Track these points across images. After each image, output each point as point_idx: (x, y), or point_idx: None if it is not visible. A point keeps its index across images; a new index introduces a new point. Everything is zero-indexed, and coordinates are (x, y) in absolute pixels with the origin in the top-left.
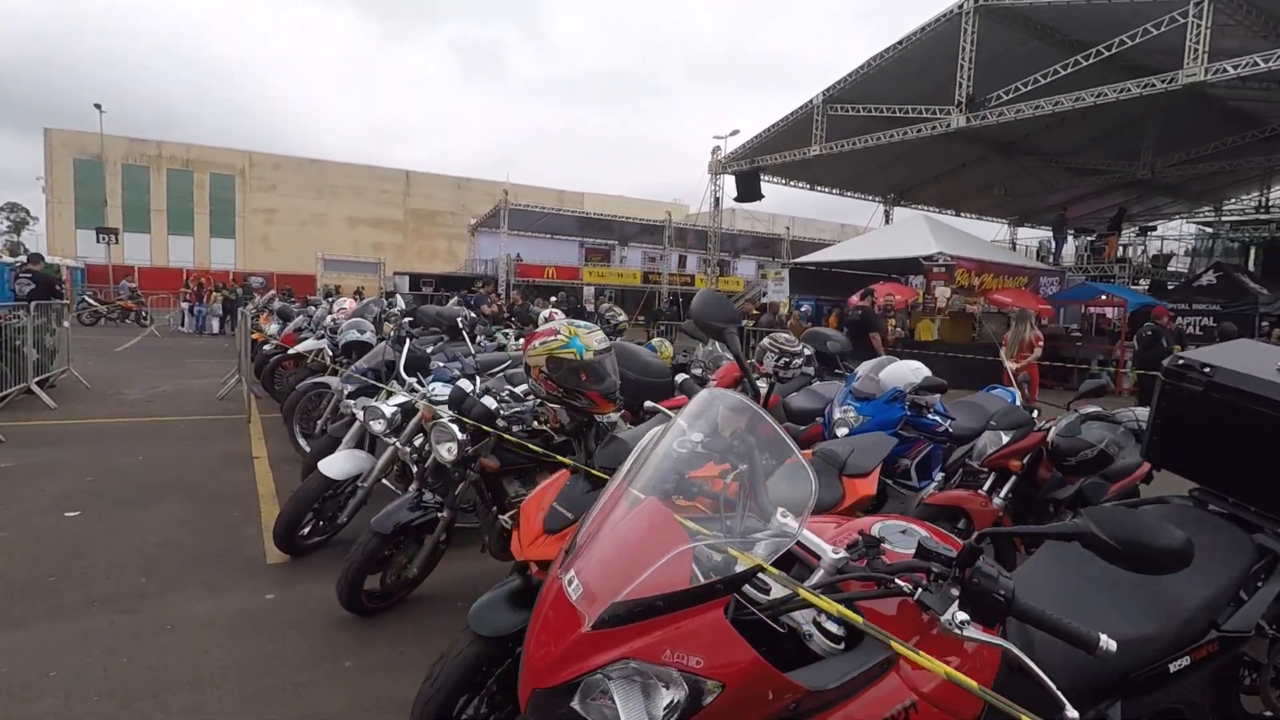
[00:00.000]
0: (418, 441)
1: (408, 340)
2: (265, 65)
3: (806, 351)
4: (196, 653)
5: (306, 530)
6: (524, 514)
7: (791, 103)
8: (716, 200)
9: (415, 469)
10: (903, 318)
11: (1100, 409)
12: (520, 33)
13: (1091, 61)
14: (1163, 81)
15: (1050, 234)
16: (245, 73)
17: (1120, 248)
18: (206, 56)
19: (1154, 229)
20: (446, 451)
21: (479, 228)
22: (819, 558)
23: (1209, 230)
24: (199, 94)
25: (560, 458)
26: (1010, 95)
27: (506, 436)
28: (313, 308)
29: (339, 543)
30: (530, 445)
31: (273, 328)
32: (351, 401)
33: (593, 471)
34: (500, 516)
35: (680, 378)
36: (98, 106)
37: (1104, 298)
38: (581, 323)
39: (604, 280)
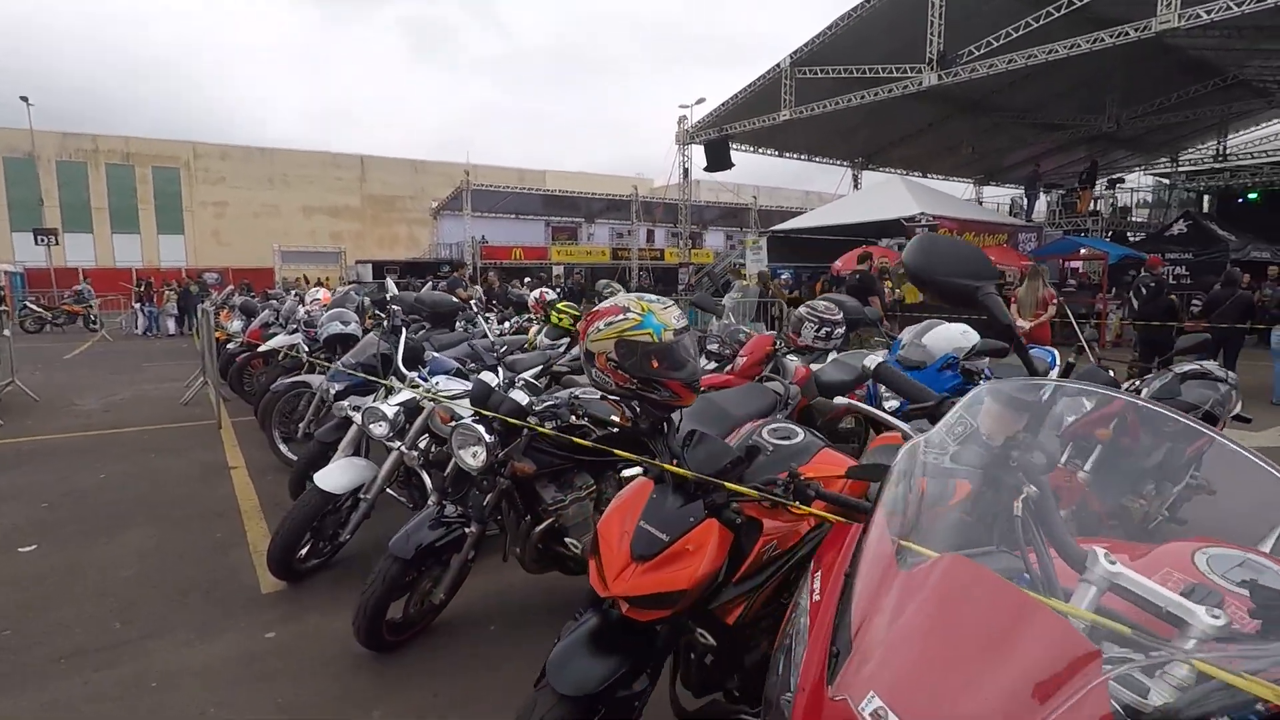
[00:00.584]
0: (423, 444)
1: (404, 331)
2: (202, 52)
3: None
4: (192, 714)
5: (304, 552)
6: (603, 538)
7: (749, 73)
8: (685, 170)
9: (426, 476)
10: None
11: (1200, 366)
12: (468, 10)
13: (1064, 13)
14: (1136, 30)
15: (1020, 191)
16: (182, 60)
17: (1093, 201)
18: (138, 43)
19: (1122, 181)
20: (472, 457)
21: (441, 211)
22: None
23: (1165, 182)
24: (133, 83)
25: (628, 455)
26: (982, 50)
27: (546, 432)
28: (275, 301)
29: (341, 562)
30: (585, 441)
31: (235, 324)
32: (345, 403)
33: (679, 471)
34: (535, 527)
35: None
36: (24, 100)
37: (1083, 251)
38: (652, 296)
39: (573, 259)
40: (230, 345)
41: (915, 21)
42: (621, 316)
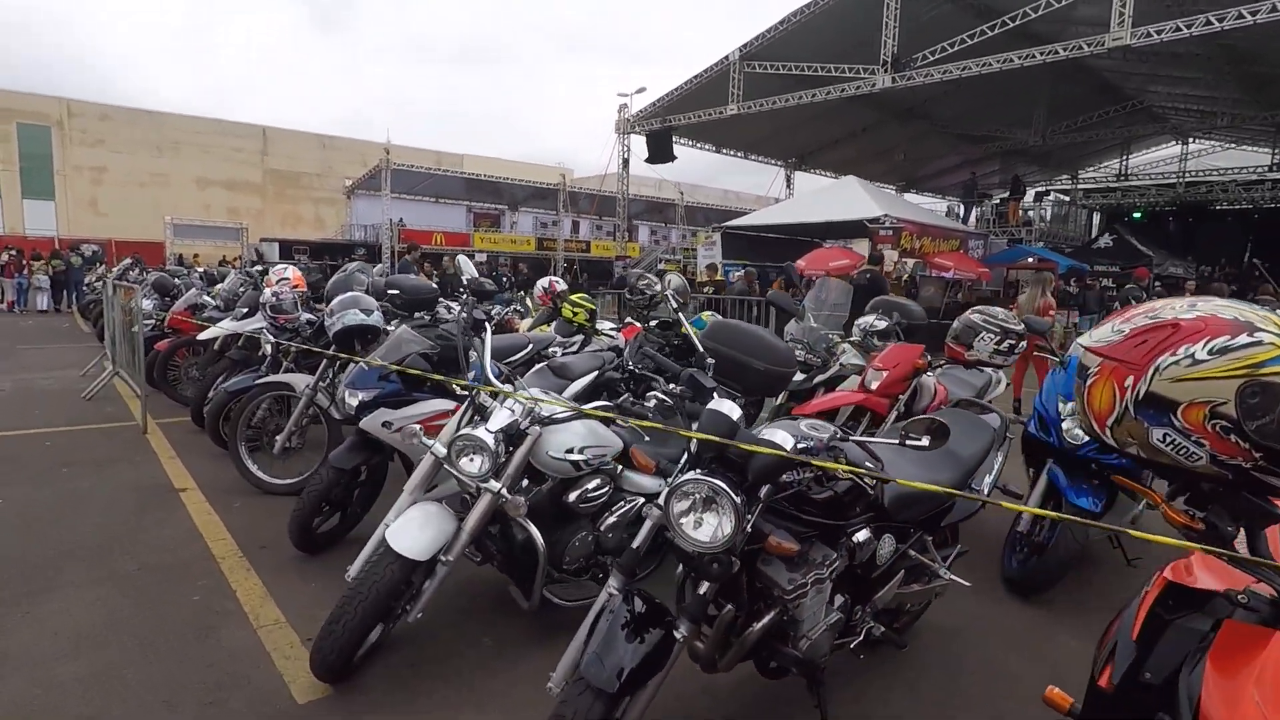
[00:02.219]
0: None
1: (488, 324)
2: (82, 8)
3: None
4: None
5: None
6: None
7: (670, 68)
8: (625, 160)
9: (534, 532)
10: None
11: None
12: None
13: (1018, 23)
14: (1089, 45)
15: (943, 199)
16: (56, 8)
17: (1023, 211)
18: None
19: (1049, 194)
20: (713, 530)
21: (355, 190)
22: None
23: (1064, 198)
24: None
25: None
26: (938, 56)
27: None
28: (199, 278)
29: (399, 644)
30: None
31: (146, 304)
32: (382, 419)
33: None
34: (756, 621)
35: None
36: None
37: (1031, 260)
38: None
39: (497, 247)
40: (135, 329)
41: (866, 23)
42: (1245, 340)
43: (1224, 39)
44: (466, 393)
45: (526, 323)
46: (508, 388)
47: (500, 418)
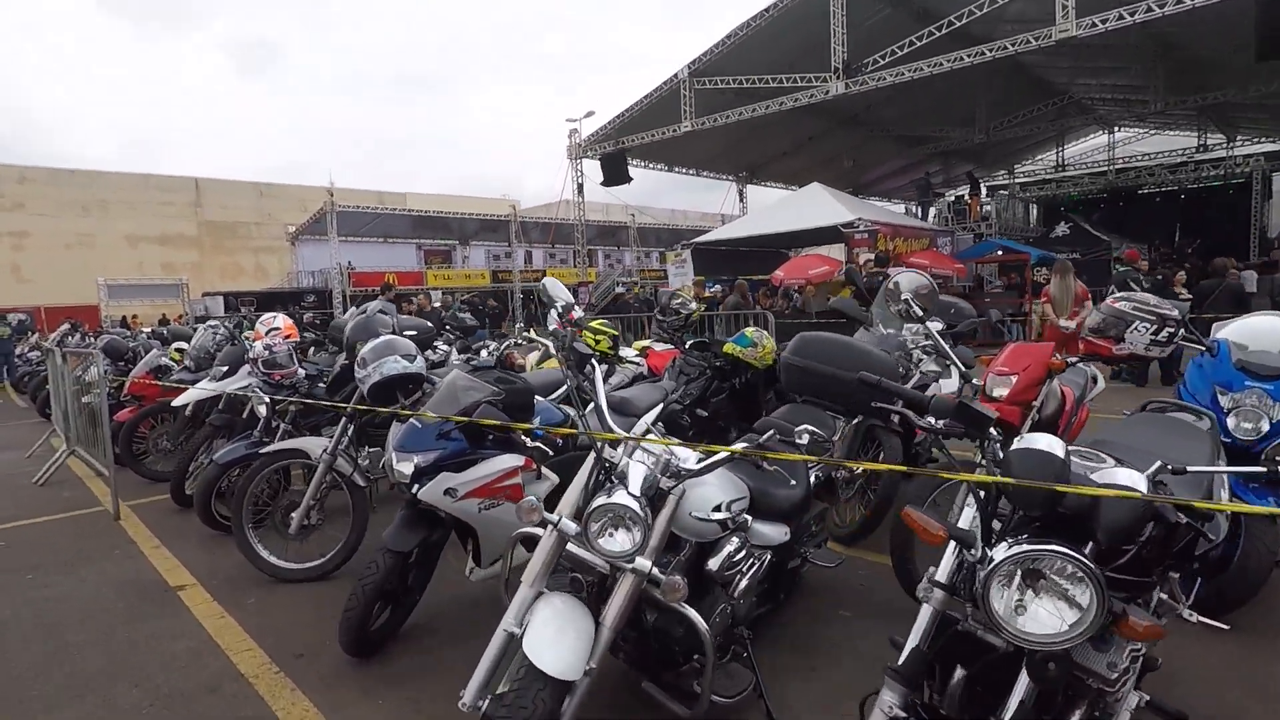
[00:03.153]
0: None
1: (595, 362)
2: None
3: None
4: None
5: None
6: None
7: (599, 91)
8: (580, 186)
9: (697, 618)
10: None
11: None
12: (295, 29)
13: (955, 27)
14: (1037, 39)
15: (889, 201)
16: None
17: (981, 207)
18: None
19: (1004, 189)
20: (1055, 624)
21: (300, 236)
22: None
23: (1004, 192)
24: None
25: None
26: (888, 60)
27: None
28: (156, 340)
29: None
30: None
31: (93, 371)
32: (538, 505)
33: None
34: None
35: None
36: None
37: (1000, 253)
38: None
39: (451, 283)
40: (97, 399)
41: (812, 32)
42: None
43: (1152, 28)
44: (579, 447)
45: (533, 357)
46: (650, 435)
47: (637, 475)
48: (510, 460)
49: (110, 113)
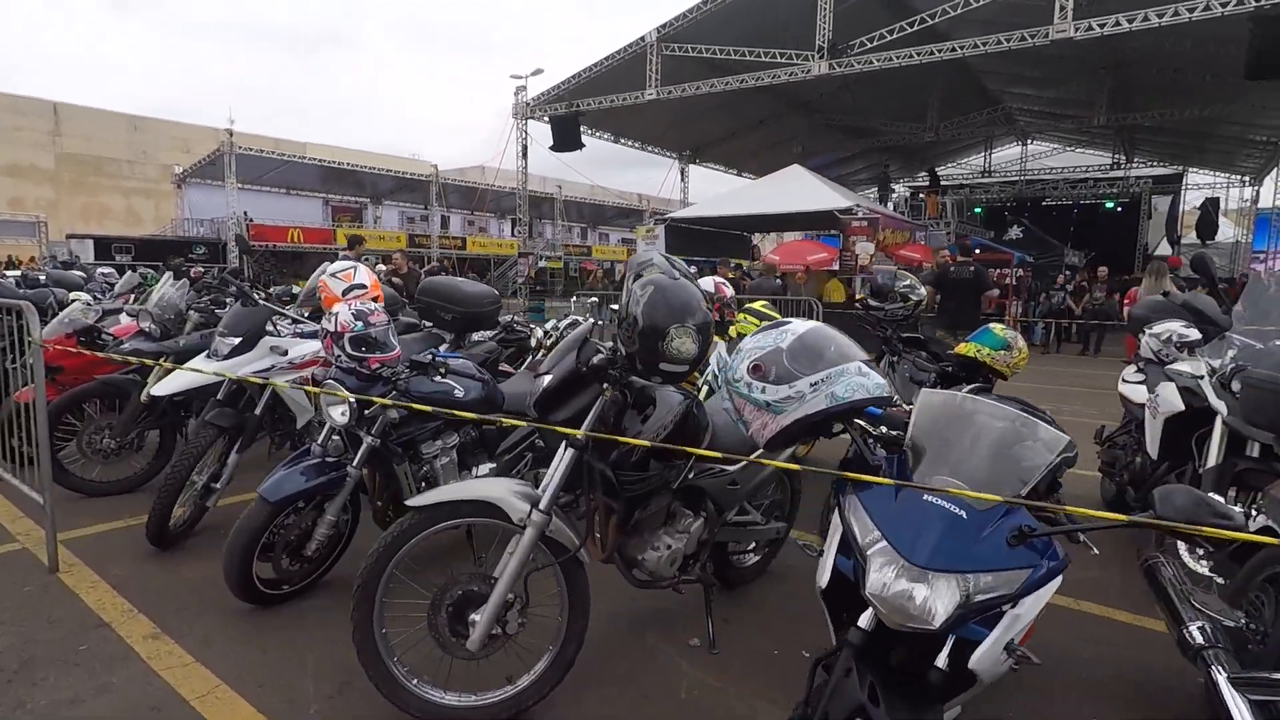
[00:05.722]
0: None
1: None
2: None
3: None
4: None
5: None
6: None
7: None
8: (523, 149)
9: None
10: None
11: None
12: None
13: (938, 21)
14: (1031, 35)
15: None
16: None
17: (940, 205)
18: None
19: (964, 187)
20: None
21: (188, 178)
22: None
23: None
24: None
25: None
26: (877, 43)
27: None
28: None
29: None
30: None
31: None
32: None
33: None
34: None
35: None
36: None
37: (977, 252)
38: None
39: (363, 246)
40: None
41: (791, 8)
42: None
43: (1113, 41)
44: None
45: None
46: None
47: None
48: None
49: None
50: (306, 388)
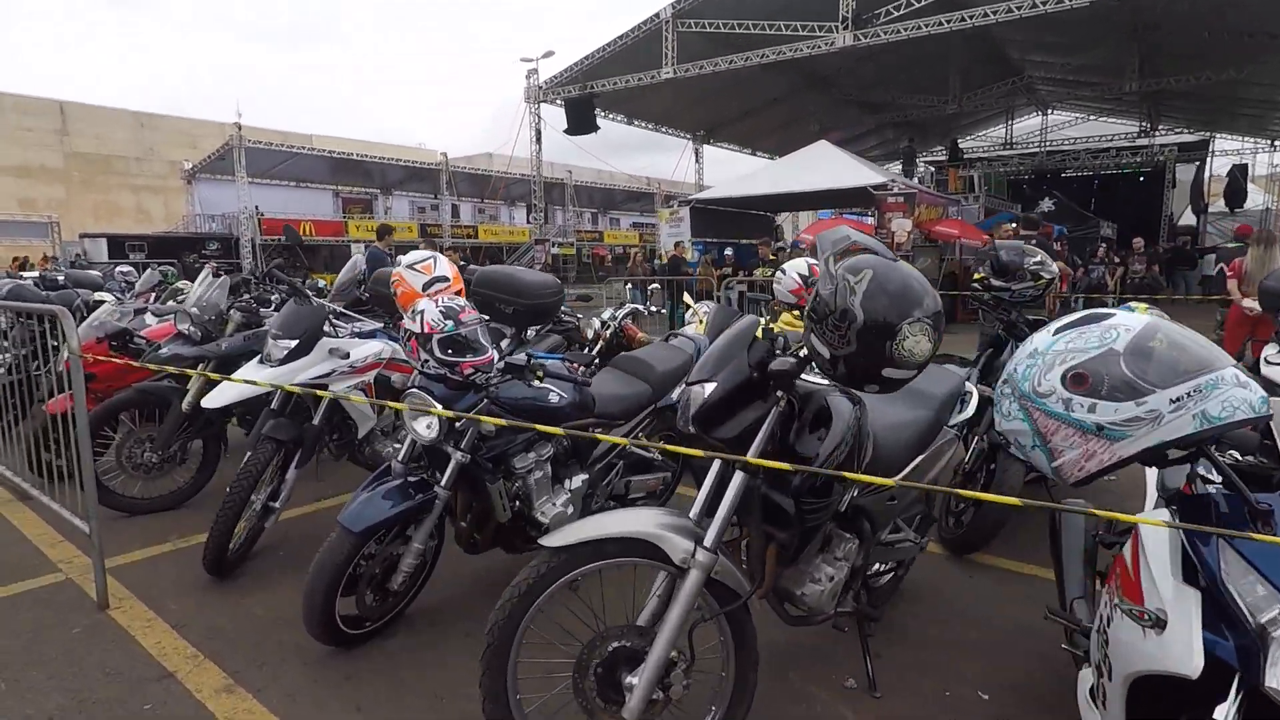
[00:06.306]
0: None
1: None
2: None
3: None
4: None
5: None
6: None
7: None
8: (537, 133)
9: None
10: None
11: None
12: None
13: None
14: None
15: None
16: None
17: (961, 179)
18: None
19: (983, 160)
20: None
21: (198, 174)
22: None
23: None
24: None
25: None
26: (903, 11)
27: None
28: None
29: None
30: None
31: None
32: None
33: None
34: None
35: None
36: None
37: (1014, 226)
38: None
39: (392, 236)
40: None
41: None
42: None
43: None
44: None
45: (691, 329)
46: None
47: None
48: None
49: None
50: (391, 404)
